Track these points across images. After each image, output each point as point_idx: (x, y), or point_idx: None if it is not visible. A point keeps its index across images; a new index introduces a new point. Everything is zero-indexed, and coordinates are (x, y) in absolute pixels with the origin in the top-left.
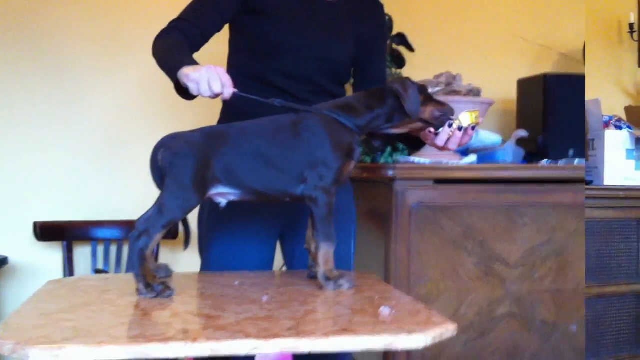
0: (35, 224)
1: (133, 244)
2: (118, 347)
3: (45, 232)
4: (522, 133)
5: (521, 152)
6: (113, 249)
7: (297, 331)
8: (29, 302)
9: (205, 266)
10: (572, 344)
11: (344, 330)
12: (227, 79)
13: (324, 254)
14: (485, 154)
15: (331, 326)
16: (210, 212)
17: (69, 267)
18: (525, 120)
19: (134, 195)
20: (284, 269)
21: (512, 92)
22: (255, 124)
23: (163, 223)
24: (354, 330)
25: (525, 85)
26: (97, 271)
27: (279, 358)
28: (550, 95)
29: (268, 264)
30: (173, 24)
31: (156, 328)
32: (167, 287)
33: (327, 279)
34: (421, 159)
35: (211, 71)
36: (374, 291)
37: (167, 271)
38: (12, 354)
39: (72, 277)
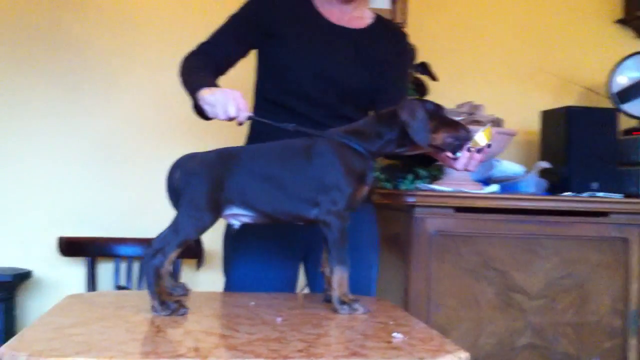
0: (60, 239)
1: (148, 262)
2: None
3: (69, 247)
4: (544, 164)
5: (544, 184)
6: (135, 266)
7: (307, 353)
8: (45, 315)
9: (228, 286)
10: None
11: (354, 354)
12: (243, 103)
13: (338, 278)
14: (508, 184)
15: (342, 350)
16: (235, 232)
17: (91, 283)
18: (548, 152)
19: (157, 213)
20: (306, 290)
21: (534, 124)
22: (267, 147)
23: (177, 242)
24: (365, 354)
25: (548, 117)
26: (118, 287)
27: None
28: (573, 128)
29: (290, 286)
30: (201, 47)
31: (168, 345)
32: (181, 306)
33: (342, 302)
34: (442, 187)
35: (227, 95)
36: (389, 317)
37: (184, 290)
38: None
39: (90, 293)
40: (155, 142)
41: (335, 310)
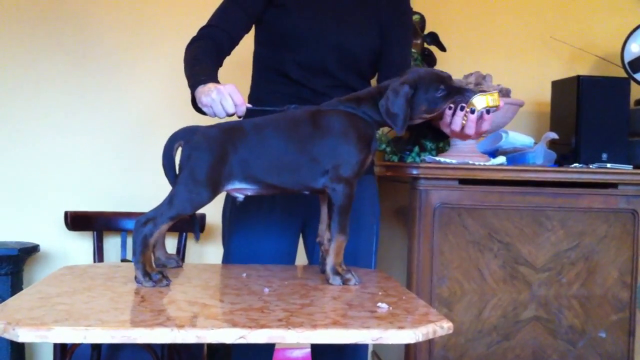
0: (66, 214)
1: (138, 230)
2: (104, 331)
3: (76, 221)
4: (552, 135)
5: (553, 155)
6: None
7: (287, 322)
8: (34, 285)
9: (226, 258)
10: (600, 350)
11: (334, 323)
12: (238, 97)
13: (337, 246)
14: (515, 156)
15: (322, 319)
16: (233, 204)
17: (98, 256)
18: (558, 123)
19: (164, 187)
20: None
21: (546, 94)
22: (272, 118)
23: (171, 215)
24: (344, 324)
25: (559, 87)
26: (123, 261)
27: None
28: (584, 98)
29: (288, 258)
30: (202, 31)
31: (147, 314)
32: (164, 277)
33: (335, 273)
34: (447, 158)
35: (221, 93)
36: (379, 288)
37: (177, 262)
38: (3, 334)
39: (85, 264)
40: (164, 118)
41: (327, 280)
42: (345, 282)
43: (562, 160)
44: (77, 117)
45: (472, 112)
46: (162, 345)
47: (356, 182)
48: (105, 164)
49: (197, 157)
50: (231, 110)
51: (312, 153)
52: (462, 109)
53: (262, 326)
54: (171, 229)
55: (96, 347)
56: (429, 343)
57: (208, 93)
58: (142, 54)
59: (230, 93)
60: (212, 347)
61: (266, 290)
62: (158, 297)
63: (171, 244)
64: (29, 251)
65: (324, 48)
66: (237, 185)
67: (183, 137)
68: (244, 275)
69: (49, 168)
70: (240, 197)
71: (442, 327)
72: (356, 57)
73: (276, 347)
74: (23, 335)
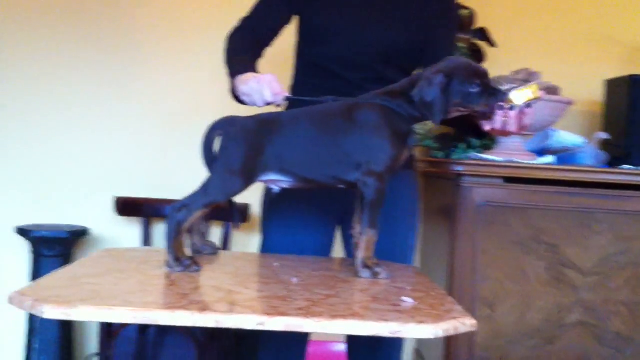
0: (116, 199)
1: (172, 215)
2: (126, 311)
3: (125, 207)
4: (603, 135)
5: (603, 156)
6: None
7: (306, 311)
8: (69, 266)
9: (262, 249)
10: None
11: (353, 315)
12: (277, 86)
13: (367, 240)
14: (564, 156)
15: (343, 310)
16: (271, 195)
17: (146, 242)
18: (610, 123)
19: None
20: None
21: (599, 94)
22: (308, 111)
23: (205, 202)
24: (363, 315)
25: (612, 86)
26: None
27: None
28: (637, 98)
29: (325, 251)
30: (243, 23)
31: (172, 297)
32: (194, 263)
33: (365, 266)
34: (493, 156)
35: (260, 82)
36: (409, 283)
37: (213, 249)
38: (31, 310)
39: (124, 248)
40: (212, 106)
41: (356, 274)
42: (374, 275)
43: (614, 161)
44: (127, 107)
45: (512, 108)
46: (204, 333)
47: (388, 177)
48: (155, 152)
49: (233, 148)
50: (269, 99)
51: (345, 146)
52: (500, 107)
53: (282, 314)
54: (216, 218)
55: (143, 331)
56: (470, 344)
57: (247, 82)
58: (186, 42)
59: (268, 82)
60: (239, 336)
61: (294, 280)
62: (187, 282)
63: (216, 233)
64: (79, 234)
65: (363, 43)
66: (272, 176)
67: (221, 127)
68: (276, 264)
69: (101, 154)
70: (276, 188)
71: (464, 324)
72: (395, 51)
73: (318, 340)
74: (48, 311)
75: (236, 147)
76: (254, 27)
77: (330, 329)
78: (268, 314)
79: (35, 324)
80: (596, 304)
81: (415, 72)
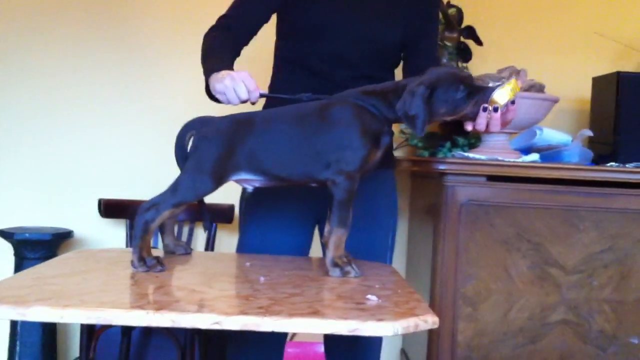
0: (100, 201)
1: (140, 215)
2: (80, 311)
3: (109, 209)
4: (587, 132)
5: (590, 154)
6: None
7: (266, 310)
8: (36, 266)
9: (239, 249)
10: (631, 357)
11: (313, 313)
12: (252, 83)
13: (336, 239)
14: (550, 154)
15: (304, 309)
16: (249, 196)
17: (131, 244)
18: (598, 121)
19: None
20: None
21: (587, 92)
22: (281, 110)
23: (174, 202)
24: (324, 314)
25: (599, 84)
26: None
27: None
28: (624, 95)
29: (302, 251)
30: (220, 22)
31: (131, 297)
32: (159, 263)
33: (334, 264)
34: (477, 154)
35: (234, 79)
36: (379, 281)
37: (187, 249)
38: None
39: (97, 249)
40: (198, 110)
41: (326, 273)
42: (344, 274)
43: (600, 159)
44: (113, 108)
45: (495, 109)
46: (185, 335)
47: (359, 177)
48: (139, 154)
49: (204, 148)
50: (244, 96)
51: (317, 145)
52: (484, 109)
53: (241, 313)
54: (202, 219)
55: (126, 333)
56: (452, 343)
57: (221, 80)
58: (180, 47)
59: (243, 79)
60: (206, 337)
61: (262, 279)
62: (150, 282)
63: (202, 234)
64: (63, 237)
65: (345, 39)
66: (244, 176)
67: (194, 127)
68: (248, 264)
69: (85, 156)
70: (250, 188)
71: (425, 322)
72: (379, 48)
73: (299, 341)
74: (2, 312)
75: (208, 147)
76: (231, 26)
77: (288, 327)
78: (226, 313)
79: (17, 327)
80: (580, 302)
81: (401, 77)
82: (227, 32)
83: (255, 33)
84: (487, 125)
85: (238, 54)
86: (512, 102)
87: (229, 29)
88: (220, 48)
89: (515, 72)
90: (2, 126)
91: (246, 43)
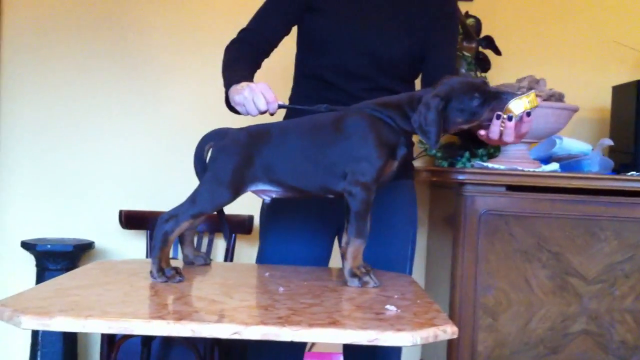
0: (121, 212)
1: (160, 226)
2: (102, 321)
3: (130, 220)
4: (608, 141)
5: (610, 163)
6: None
7: (285, 320)
8: (59, 277)
9: (258, 260)
10: None
11: (332, 324)
12: (270, 95)
13: (354, 250)
14: (570, 163)
15: (323, 319)
16: (269, 207)
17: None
18: (618, 130)
19: None
20: None
21: (607, 101)
22: (297, 122)
23: (192, 212)
24: (343, 324)
25: (619, 93)
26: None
27: None
28: None
29: (321, 262)
30: (240, 35)
31: (152, 307)
32: (177, 273)
33: (353, 275)
34: (496, 164)
35: (253, 91)
36: (398, 291)
37: (205, 260)
38: (9, 321)
39: (118, 260)
40: (218, 119)
41: (345, 283)
42: (363, 284)
43: (620, 168)
44: (134, 119)
45: (510, 118)
46: (205, 345)
47: (375, 188)
48: (160, 166)
49: (222, 159)
50: (263, 107)
51: (333, 156)
52: (498, 117)
53: (260, 323)
54: (222, 230)
55: (146, 344)
56: (472, 353)
57: (240, 91)
58: (191, 57)
59: (262, 90)
60: (226, 347)
61: (281, 289)
62: (170, 292)
63: (221, 245)
64: (84, 248)
65: (360, 54)
66: (261, 187)
67: (212, 139)
68: (267, 274)
69: (106, 168)
70: (267, 199)
71: (445, 332)
72: (393, 62)
73: (317, 352)
74: (25, 322)
75: (225, 158)
76: (252, 39)
77: (307, 337)
78: (245, 323)
79: (38, 337)
80: (600, 312)
81: (417, 88)
82: (248, 45)
83: (275, 45)
84: (501, 135)
85: (258, 66)
86: (528, 114)
87: (250, 42)
88: (241, 60)
89: (535, 82)
90: (24, 138)
91: (267, 55)
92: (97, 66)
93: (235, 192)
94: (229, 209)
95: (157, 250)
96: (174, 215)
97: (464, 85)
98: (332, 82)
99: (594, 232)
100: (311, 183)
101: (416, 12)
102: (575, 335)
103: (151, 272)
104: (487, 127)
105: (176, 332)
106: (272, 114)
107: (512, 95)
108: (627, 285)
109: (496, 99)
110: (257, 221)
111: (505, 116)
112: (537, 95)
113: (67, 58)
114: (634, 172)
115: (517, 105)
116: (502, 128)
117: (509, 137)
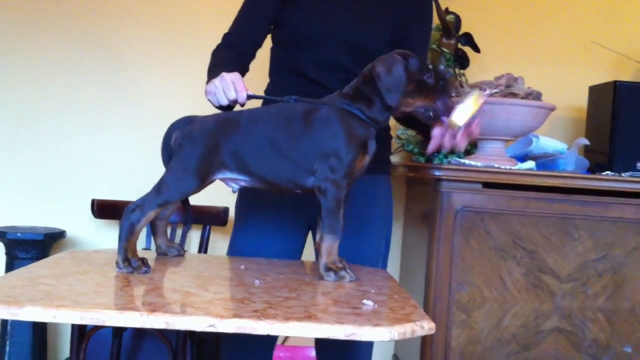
0: (93, 201)
1: (126, 216)
2: (73, 312)
3: (102, 209)
4: (583, 141)
5: (585, 162)
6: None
7: (261, 314)
8: (29, 266)
9: (230, 251)
10: None
11: (308, 318)
12: (240, 85)
13: (327, 247)
14: (545, 162)
15: (299, 313)
16: (243, 199)
17: None
18: (594, 130)
19: None
20: None
21: (584, 100)
22: (266, 111)
23: (158, 202)
24: (319, 318)
25: (595, 93)
26: (143, 249)
27: None
28: (620, 104)
29: (294, 255)
30: (224, 40)
31: (125, 298)
32: (144, 264)
33: (328, 269)
34: (473, 161)
35: (224, 80)
36: (374, 286)
37: (179, 251)
38: None
39: (91, 249)
40: (188, 110)
41: (321, 277)
42: (339, 278)
43: (596, 168)
44: (106, 110)
45: (454, 136)
46: (177, 337)
47: (346, 185)
48: (132, 155)
49: (188, 147)
50: (232, 96)
51: (303, 150)
52: (445, 129)
53: (236, 316)
54: (196, 222)
55: (117, 335)
56: (446, 349)
57: (212, 81)
58: (168, 50)
59: (233, 80)
60: (198, 339)
61: (257, 282)
62: (144, 284)
63: (195, 237)
64: (55, 237)
65: (337, 45)
66: (228, 175)
67: (180, 126)
68: (242, 267)
69: (78, 157)
70: (235, 187)
71: (422, 327)
72: (370, 52)
73: (291, 345)
74: None
75: (191, 146)
76: (234, 44)
77: (284, 331)
78: (221, 315)
79: (7, 327)
80: (573, 310)
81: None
82: (232, 49)
83: (260, 45)
84: (453, 146)
85: (247, 69)
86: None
87: (233, 46)
88: (225, 65)
89: (513, 80)
90: None
91: (253, 57)
92: (71, 57)
93: (202, 180)
94: (204, 201)
95: (123, 241)
96: (140, 205)
97: (421, 59)
98: (311, 76)
99: (569, 231)
100: (280, 176)
101: (393, 2)
102: (548, 333)
103: (117, 262)
104: (422, 116)
105: (150, 324)
106: (242, 105)
107: (450, 98)
108: (600, 284)
109: (444, 93)
110: (232, 213)
111: (452, 131)
112: (513, 94)
113: (42, 49)
114: (609, 172)
115: (460, 116)
116: (452, 141)
117: (460, 147)
